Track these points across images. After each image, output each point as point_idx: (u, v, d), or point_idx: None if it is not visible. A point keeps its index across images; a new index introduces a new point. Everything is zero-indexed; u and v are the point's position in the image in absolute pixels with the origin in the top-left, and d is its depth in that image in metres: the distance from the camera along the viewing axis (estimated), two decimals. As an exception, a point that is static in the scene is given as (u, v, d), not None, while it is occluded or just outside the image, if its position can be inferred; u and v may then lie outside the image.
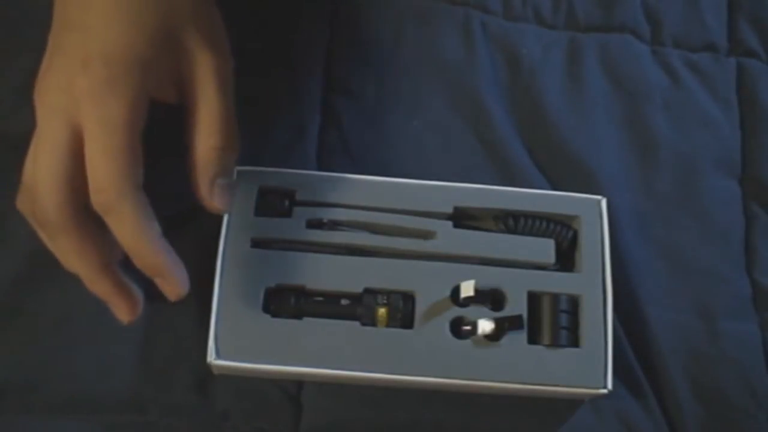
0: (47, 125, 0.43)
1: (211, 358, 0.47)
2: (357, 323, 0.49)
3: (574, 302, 0.51)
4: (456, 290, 0.49)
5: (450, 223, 0.52)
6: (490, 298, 0.50)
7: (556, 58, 0.61)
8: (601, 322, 0.50)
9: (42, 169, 0.43)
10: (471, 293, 0.48)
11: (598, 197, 0.53)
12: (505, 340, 0.49)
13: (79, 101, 0.42)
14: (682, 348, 0.54)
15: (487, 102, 0.58)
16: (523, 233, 0.52)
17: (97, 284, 0.45)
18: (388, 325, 0.49)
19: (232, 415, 0.50)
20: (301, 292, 0.49)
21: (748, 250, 0.57)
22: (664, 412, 0.52)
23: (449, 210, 0.52)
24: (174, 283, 0.45)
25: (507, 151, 0.57)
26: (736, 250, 0.57)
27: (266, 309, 0.49)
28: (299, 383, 0.51)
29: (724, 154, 0.60)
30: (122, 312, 0.47)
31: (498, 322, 0.48)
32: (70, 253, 0.44)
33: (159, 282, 0.45)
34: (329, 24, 0.59)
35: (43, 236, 0.46)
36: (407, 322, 0.49)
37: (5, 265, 0.51)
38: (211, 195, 0.46)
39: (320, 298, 0.49)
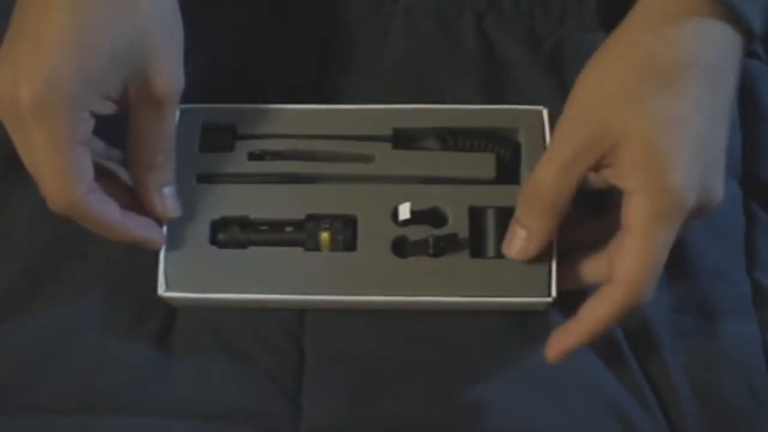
0: (11, 133, 0.45)
1: (161, 290, 0.49)
2: (301, 249, 0.50)
3: (517, 214, 0.51)
4: (396, 211, 0.50)
5: (389, 145, 0.52)
6: (430, 217, 0.50)
7: None
8: None
9: (31, 168, 0.45)
10: (407, 216, 0.49)
11: (539, 107, 0.52)
12: (448, 255, 0.50)
13: (24, 116, 0.43)
14: (682, 348, 0.53)
15: None
16: (463, 150, 0.52)
17: (125, 234, 0.48)
18: (331, 249, 0.50)
19: (232, 415, 0.50)
20: (246, 223, 0.51)
21: (748, 250, 0.56)
22: (663, 412, 0.51)
23: (389, 132, 0.52)
24: (150, 242, 0.49)
25: None
26: (737, 250, 0.56)
27: (213, 241, 0.50)
28: (299, 383, 0.51)
29: None
30: (154, 245, 0.50)
31: (434, 240, 0.49)
32: (92, 226, 0.47)
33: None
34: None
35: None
36: (350, 245, 0.50)
37: (5, 265, 0.53)
38: (162, 203, 0.49)
39: (264, 227, 0.51)
